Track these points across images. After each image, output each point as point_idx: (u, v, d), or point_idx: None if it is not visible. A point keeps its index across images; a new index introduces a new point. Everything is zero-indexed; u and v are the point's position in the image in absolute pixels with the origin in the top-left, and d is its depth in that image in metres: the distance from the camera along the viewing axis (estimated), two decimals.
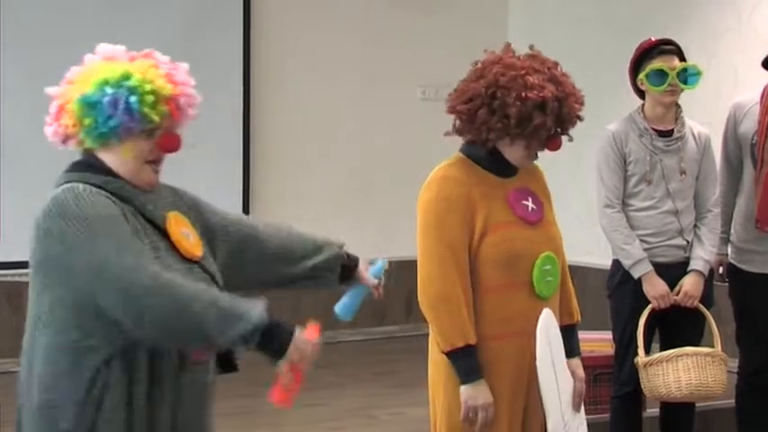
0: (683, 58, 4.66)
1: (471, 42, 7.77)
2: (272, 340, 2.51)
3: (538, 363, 3.22)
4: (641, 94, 4.74)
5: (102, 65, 2.59)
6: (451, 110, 3.32)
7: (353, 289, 2.92)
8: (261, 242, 2.82)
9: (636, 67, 4.73)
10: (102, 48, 2.63)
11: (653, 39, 4.77)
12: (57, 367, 2.50)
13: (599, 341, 5.26)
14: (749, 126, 4.80)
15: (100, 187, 2.54)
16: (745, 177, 4.87)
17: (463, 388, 3.20)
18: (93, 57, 2.63)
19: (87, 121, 2.54)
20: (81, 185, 2.53)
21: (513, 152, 3.27)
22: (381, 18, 7.55)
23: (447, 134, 3.42)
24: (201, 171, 6.78)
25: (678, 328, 4.64)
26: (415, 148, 7.61)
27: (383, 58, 7.54)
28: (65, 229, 2.46)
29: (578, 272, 7.10)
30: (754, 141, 4.79)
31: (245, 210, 6.95)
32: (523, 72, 3.18)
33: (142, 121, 2.56)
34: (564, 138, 3.31)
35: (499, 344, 3.23)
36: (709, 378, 4.50)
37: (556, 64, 3.29)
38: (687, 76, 4.64)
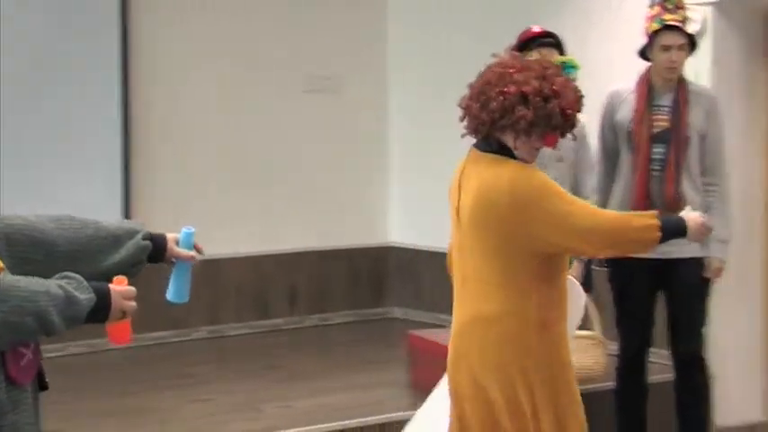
0: (562, 52, 4.74)
1: (351, 32, 7.81)
2: (98, 312, 2.55)
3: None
4: None
5: None
6: (460, 106, 3.55)
7: (174, 269, 2.87)
8: (50, 244, 2.70)
9: None
10: None
11: (534, 29, 4.85)
12: None
13: None
14: (625, 114, 4.94)
15: None
16: (622, 164, 5.00)
17: (689, 236, 3.52)
18: None
19: None
20: None
21: (514, 144, 3.45)
22: (261, 7, 7.50)
23: (463, 135, 3.60)
24: (81, 173, 6.64)
25: None
26: (299, 140, 7.59)
27: (264, 49, 7.47)
28: None
29: None
30: (630, 129, 4.91)
31: (126, 212, 6.81)
32: (512, 70, 3.44)
33: None
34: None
35: (561, 327, 3.48)
36: (590, 360, 4.61)
37: (557, 67, 3.54)
38: (564, 70, 4.73)
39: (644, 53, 4.99)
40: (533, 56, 4.66)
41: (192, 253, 2.86)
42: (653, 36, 4.92)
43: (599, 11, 6.41)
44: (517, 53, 3.58)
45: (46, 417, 2.68)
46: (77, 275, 2.55)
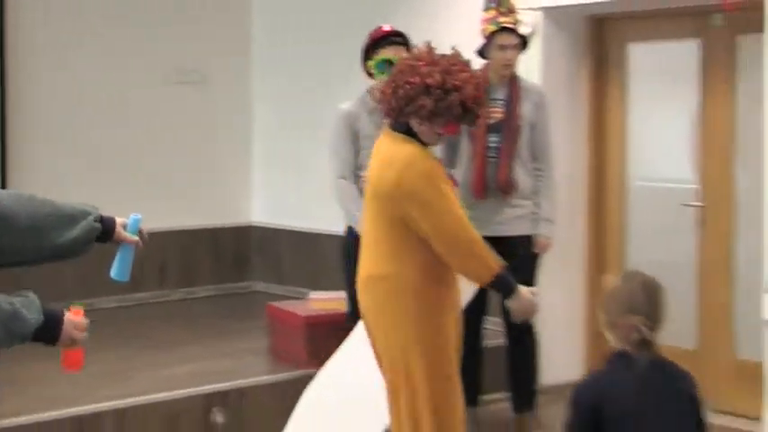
0: (410, 49, 5.10)
1: (218, 28, 7.93)
2: (46, 333, 2.65)
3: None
4: (372, 75, 5.13)
5: None
6: (379, 91, 3.89)
7: (119, 250, 3.04)
8: (11, 218, 2.75)
9: (366, 53, 5.13)
10: None
11: (384, 28, 5.15)
12: None
13: (335, 300, 5.65)
14: None
15: None
16: (462, 152, 5.34)
17: (512, 301, 3.83)
18: None
19: None
20: None
21: (418, 128, 3.77)
22: (131, 4, 7.58)
23: (385, 120, 3.91)
24: None
25: None
26: (169, 128, 7.71)
27: (133, 43, 7.55)
28: None
29: (316, 239, 7.52)
30: None
31: (3, 184, 6.85)
32: (421, 63, 3.74)
33: None
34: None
35: (441, 297, 3.78)
36: None
37: (464, 63, 3.80)
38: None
39: (482, 52, 5.33)
40: (384, 53, 5.01)
41: (137, 238, 3.04)
42: (490, 37, 5.27)
43: (441, 11, 6.64)
44: (430, 48, 3.85)
45: None
46: (32, 295, 2.64)
